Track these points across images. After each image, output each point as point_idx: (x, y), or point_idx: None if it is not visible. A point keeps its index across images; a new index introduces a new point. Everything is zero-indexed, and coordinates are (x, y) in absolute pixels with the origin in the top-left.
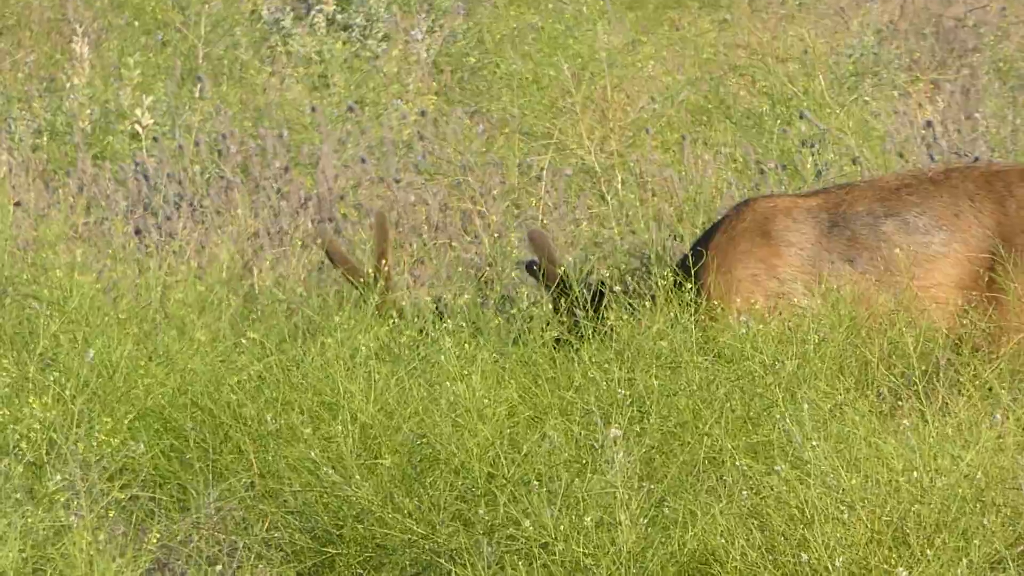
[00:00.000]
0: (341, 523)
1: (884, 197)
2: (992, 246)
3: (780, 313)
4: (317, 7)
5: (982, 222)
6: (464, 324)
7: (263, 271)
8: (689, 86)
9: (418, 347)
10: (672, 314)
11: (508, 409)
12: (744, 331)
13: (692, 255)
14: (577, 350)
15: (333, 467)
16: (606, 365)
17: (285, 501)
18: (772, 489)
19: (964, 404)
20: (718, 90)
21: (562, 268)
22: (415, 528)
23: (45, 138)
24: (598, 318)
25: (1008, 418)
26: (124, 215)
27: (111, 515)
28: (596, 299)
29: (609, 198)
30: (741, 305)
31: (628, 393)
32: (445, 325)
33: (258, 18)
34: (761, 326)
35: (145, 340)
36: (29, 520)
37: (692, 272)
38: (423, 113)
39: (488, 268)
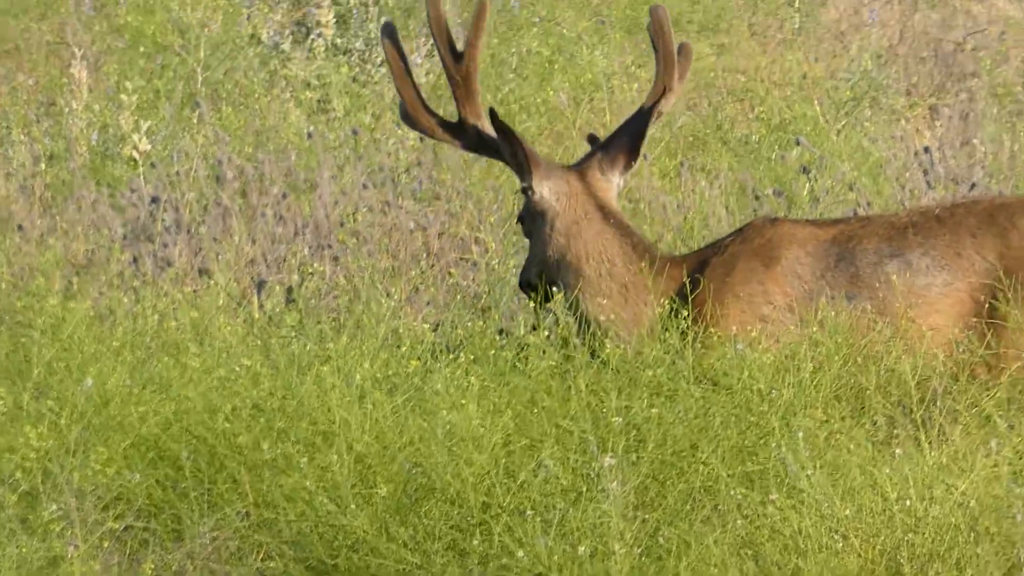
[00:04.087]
0: (336, 553)
1: (892, 236)
2: (994, 278)
3: (769, 339)
4: (316, 31)
5: (985, 257)
6: (461, 352)
7: (260, 298)
8: (687, 111)
9: (415, 376)
10: (668, 341)
11: (504, 438)
12: (739, 359)
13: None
14: (573, 378)
15: (328, 497)
16: (602, 393)
17: (280, 531)
18: (767, 518)
19: (960, 432)
20: (716, 115)
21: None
22: (409, 558)
23: (43, 164)
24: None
25: (1005, 446)
26: (121, 242)
27: (106, 545)
28: None
29: None
30: (733, 319)
31: (624, 421)
32: (444, 354)
33: (257, 42)
34: (756, 354)
35: (140, 368)
36: (23, 550)
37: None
38: (422, 139)
39: (486, 295)
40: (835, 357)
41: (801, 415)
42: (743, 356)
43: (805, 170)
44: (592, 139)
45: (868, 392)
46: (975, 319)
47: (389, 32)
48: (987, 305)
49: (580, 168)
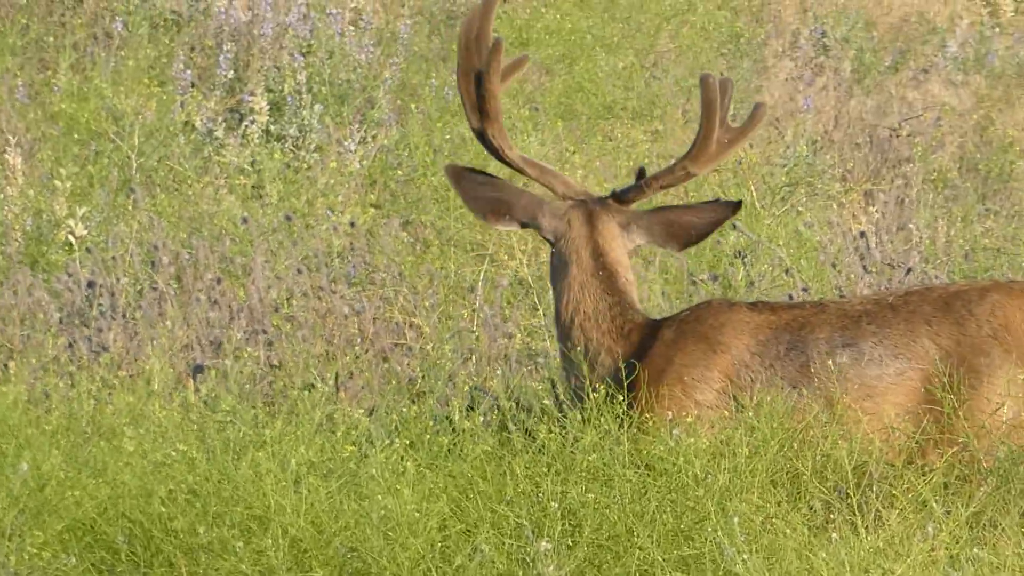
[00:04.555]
0: None
1: (845, 325)
2: (946, 366)
3: (704, 424)
4: (250, 118)
5: (940, 344)
6: (396, 437)
7: (196, 383)
8: None
9: (350, 461)
10: (604, 427)
11: (439, 523)
12: (675, 444)
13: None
14: (509, 463)
15: None
16: (538, 478)
17: None
18: None
19: (897, 517)
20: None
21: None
22: None
23: None
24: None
25: (941, 531)
26: (57, 326)
27: None
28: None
29: (542, 310)
30: (671, 402)
31: (560, 506)
32: (380, 439)
33: (191, 129)
34: (692, 439)
35: (76, 452)
36: None
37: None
38: (352, 224)
39: (421, 380)
40: (771, 442)
41: (737, 500)
42: (679, 440)
43: (740, 255)
44: (640, 173)
45: (804, 477)
46: (925, 405)
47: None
48: (939, 392)
49: (589, 206)
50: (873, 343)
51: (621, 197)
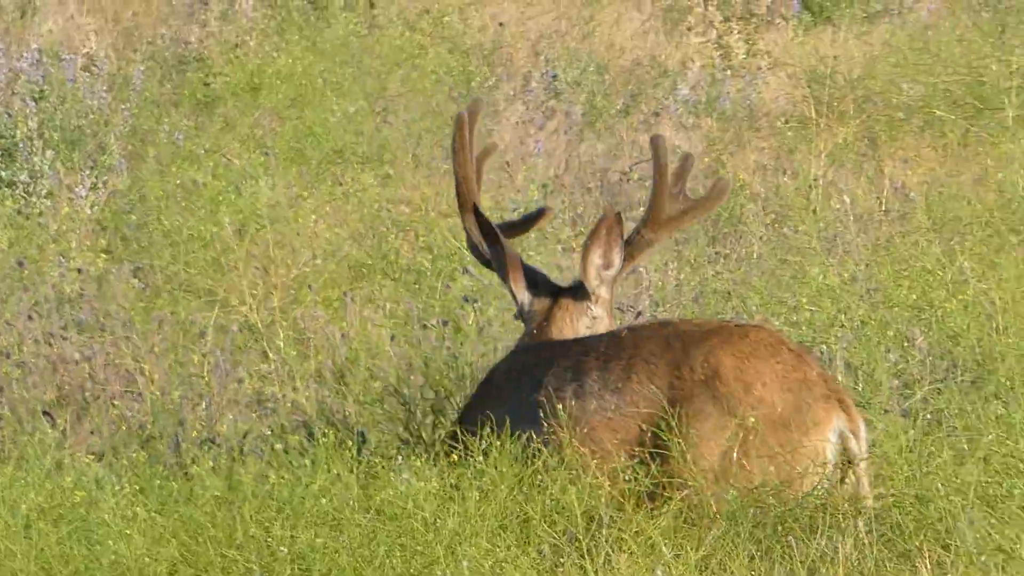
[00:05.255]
0: None
1: (578, 361)
2: (661, 407)
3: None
4: None
5: (656, 383)
6: (126, 483)
7: None
8: (351, 241)
9: (80, 506)
10: (334, 471)
11: (169, 567)
12: (405, 488)
13: None
14: (239, 507)
15: None
16: (267, 523)
17: None
18: None
19: (627, 560)
20: (381, 245)
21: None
22: None
23: None
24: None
25: (671, 574)
26: None
27: None
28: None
29: (272, 355)
30: None
31: (289, 551)
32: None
33: None
34: (422, 483)
35: None
36: None
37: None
38: (79, 271)
39: (151, 425)
40: (500, 486)
41: (467, 544)
42: (408, 484)
43: (467, 299)
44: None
45: (534, 521)
46: (639, 448)
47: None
48: (651, 433)
49: (557, 289)
50: (596, 377)
51: (576, 293)
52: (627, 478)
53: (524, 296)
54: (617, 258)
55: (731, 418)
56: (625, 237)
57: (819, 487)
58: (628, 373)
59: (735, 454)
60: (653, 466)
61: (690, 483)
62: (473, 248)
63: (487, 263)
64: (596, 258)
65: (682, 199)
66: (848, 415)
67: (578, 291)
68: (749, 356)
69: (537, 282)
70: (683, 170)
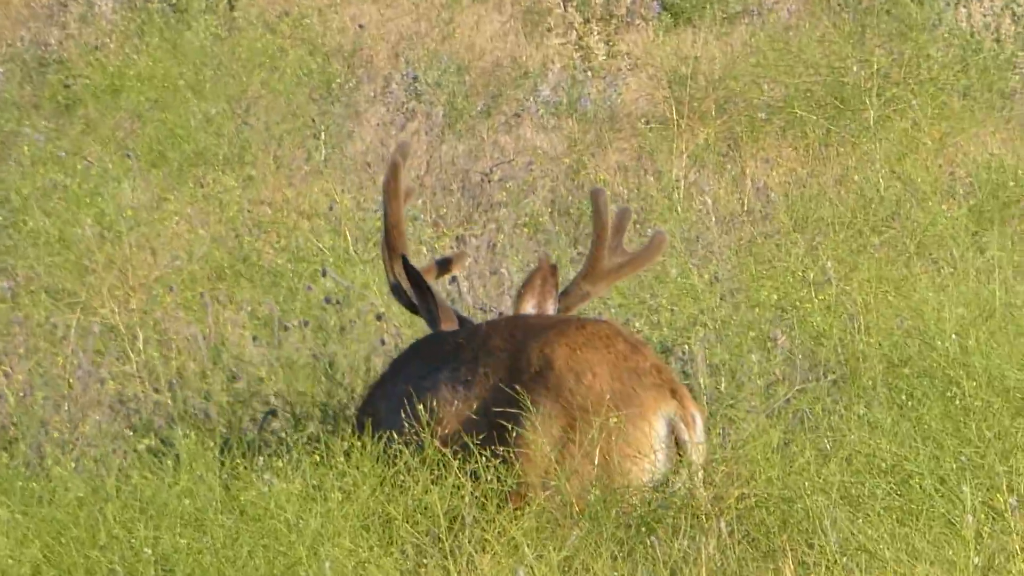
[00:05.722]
0: None
1: (438, 353)
2: (506, 400)
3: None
4: None
5: (498, 377)
6: None
7: None
8: (213, 243)
9: None
10: (197, 472)
11: (32, 569)
12: (267, 488)
13: None
14: (101, 509)
15: None
16: (130, 524)
17: None
18: None
19: (490, 561)
20: (242, 247)
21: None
22: None
23: None
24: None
25: (533, 574)
26: None
27: None
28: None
29: (133, 357)
30: None
31: (153, 552)
32: None
33: None
34: (284, 484)
35: None
36: None
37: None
38: None
39: (13, 427)
40: (362, 486)
41: (329, 544)
42: (271, 485)
43: (329, 300)
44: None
45: (397, 521)
46: (496, 447)
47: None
48: (513, 432)
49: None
50: (450, 371)
51: None
52: (487, 478)
53: None
54: (551, 309)
55: (561, 408)
56: (561, 288)
57: (650, 475)
58: (475, 366)
59: (564, 444)
60: (485, 455)
61: (523, 477)
62: (396, 292)
63: (412, 308)
64: (530, 308)
65: (620, 252)
66: (680, 404)
67: None
68: (582, 347)
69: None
70: (621, 223)
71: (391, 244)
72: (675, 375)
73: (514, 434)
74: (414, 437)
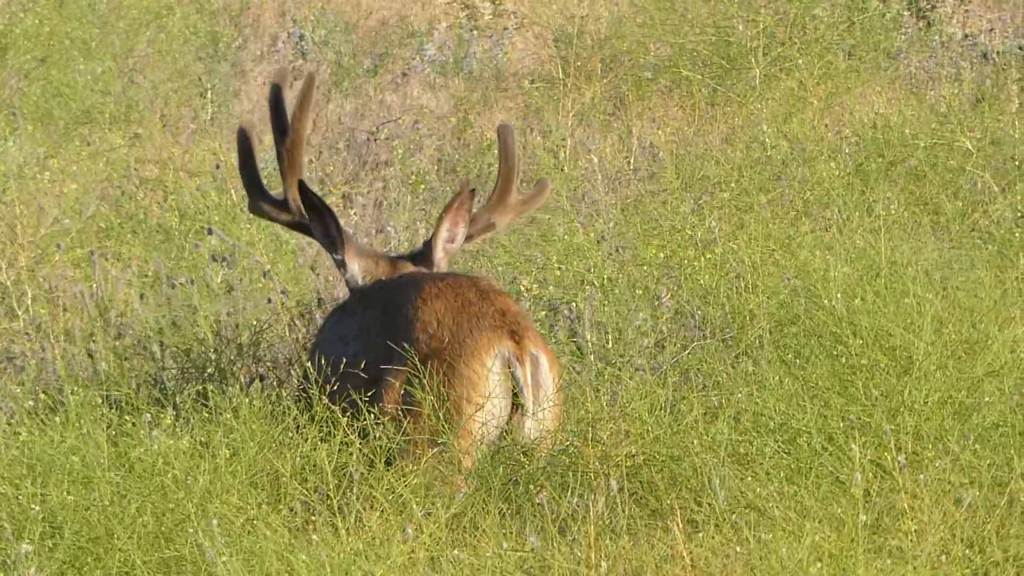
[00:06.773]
0: None
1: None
2: (409, 364)
3: None
4: None
5: (378, 332)
6: None
7: None
8: (99, 201)
9: None
10: (84, 429)
11: None
12: (155, 444)
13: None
14: None
15: None
16: (17, 480)
17: None
18: None
19: (378, 519)
20: (129, 204)
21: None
22: None
23: None
24: None
25: (422, 532)
26: None
27: None
28: None
29: (20, 314)
30: None
31: (40, 508)
32: None
33: None
34: (172, 440)
35: None
36: None
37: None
38: None
39: None
40: (251, 443)
41: (217, 501)
42: (159, 442)
43: (215, 258)
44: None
45: (284, 478)
46: (393, 405)
47: (242, 133)
48: (403, 390)
49: (394, 257)
50: (355, 328)
51: (416, 260)
52: (377, 436)
53: (355, 265)
54: (461, 233)
55: (410, 356)
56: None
57: (490, 415)
58: (362, 323)
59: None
60: (373, 412)
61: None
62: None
63: (303, 230)
64: (445, 230)
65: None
66: (518, 344)
67: (417, 258)
68: (434, 298)
69: (366, 252)
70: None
71: (291, 163)
72: (527, 320)
73: (387, 389)
74: (302, 394)
